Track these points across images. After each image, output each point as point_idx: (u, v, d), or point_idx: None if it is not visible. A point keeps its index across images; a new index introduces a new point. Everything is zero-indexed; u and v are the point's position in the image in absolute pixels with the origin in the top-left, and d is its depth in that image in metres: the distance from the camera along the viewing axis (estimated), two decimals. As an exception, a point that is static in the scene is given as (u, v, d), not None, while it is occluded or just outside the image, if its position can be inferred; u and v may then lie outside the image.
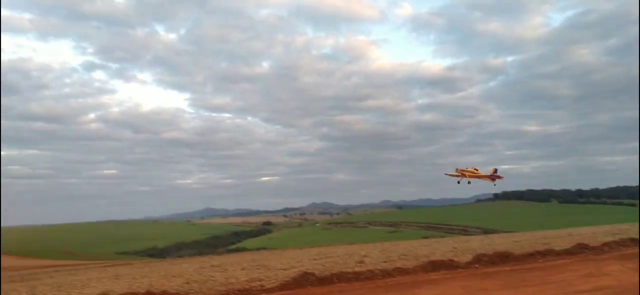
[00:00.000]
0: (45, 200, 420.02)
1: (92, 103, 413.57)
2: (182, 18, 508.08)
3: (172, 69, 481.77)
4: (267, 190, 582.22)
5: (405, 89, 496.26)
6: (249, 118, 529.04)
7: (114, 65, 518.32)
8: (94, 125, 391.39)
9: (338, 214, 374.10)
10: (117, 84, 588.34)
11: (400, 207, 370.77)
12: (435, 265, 21.68)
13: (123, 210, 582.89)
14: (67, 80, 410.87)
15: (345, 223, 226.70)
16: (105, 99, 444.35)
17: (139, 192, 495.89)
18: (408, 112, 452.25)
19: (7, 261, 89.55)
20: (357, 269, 21.55)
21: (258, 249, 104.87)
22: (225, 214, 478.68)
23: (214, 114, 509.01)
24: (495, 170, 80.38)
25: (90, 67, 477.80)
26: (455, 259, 23.48)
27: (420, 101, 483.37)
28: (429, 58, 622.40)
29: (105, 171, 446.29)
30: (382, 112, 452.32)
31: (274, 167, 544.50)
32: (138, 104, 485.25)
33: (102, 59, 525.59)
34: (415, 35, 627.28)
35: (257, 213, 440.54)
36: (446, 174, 73.32)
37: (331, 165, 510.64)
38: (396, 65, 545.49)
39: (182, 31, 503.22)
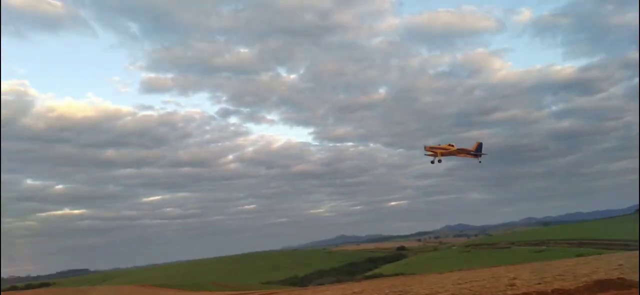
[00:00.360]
0: (195, 236, 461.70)
1: (229, 146, 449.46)
2: (301, 58, 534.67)
3: (295, 106, 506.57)
4: (397, 215, 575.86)
5: (536, 97, 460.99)
6: (371, 144, 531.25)
7: (245, 110, 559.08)
8: (232, 166, 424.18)
9: (476, 235, 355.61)
10: (249, 126, 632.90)
11: (546, 223, 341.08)
12: (603, 285, 19.40)
13: (264, 241, 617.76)
14: (207, 128, 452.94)
15: (485, 244, 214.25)
16: (240, 140, 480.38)
17: (276, 223, 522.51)
18: (542, 120, 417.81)
19: (168, 294, 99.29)
20: (509, 292, 20.13)
21: (395, 275, 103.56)
22: (357, 240, 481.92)
23: (337, 144, 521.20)
24: (480, 146, 67.51)
25: (225, 113, 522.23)
26: (626, 277, 20.79)
27: (554, 107, 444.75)
28: (559, 61, 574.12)
29: (245, 206, 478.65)
30: (513, 124, 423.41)
31: (401, 191, 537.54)
32: (269, 142, 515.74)
33: (234, 105, 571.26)
34: (539, 40, 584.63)
35: (389, 238, 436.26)
36: (425, 154, 65.60)
37: (463, 185, 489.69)
38: (522, 73, 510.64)
39: (302, 70, 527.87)
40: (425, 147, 66.26)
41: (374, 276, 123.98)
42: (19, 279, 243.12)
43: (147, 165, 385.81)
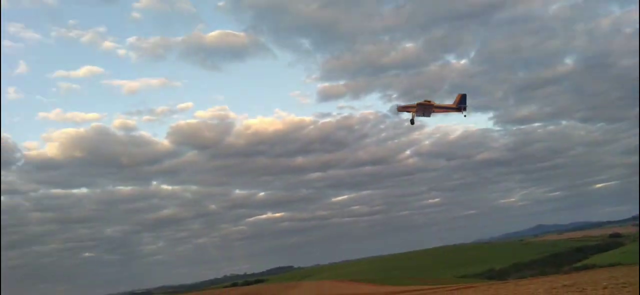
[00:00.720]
0: (383, 232, 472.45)
1: (405, 141, 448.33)
2: (469, 42, 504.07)
3: (470, 92, 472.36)
4: (605, 198, 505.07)
5: None
6: (563, 122, 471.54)
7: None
8: (411, 161, 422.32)
9: None
10: (423, 119, 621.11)
11: None
12: None
13: (453, 234, 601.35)
14: (382, 126, 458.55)
15: None
16: (415, 135, 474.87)
17: (464, 216, 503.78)
18: None
19: (366, 288, 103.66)
20: None
21: (611, 265, 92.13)
22: (559, 229, 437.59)
23: (522, 127, 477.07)
24: (463, 98, 61.02)
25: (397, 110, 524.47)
26: None
27: None
28: None
29: (429, 201, 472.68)
30: None
31: (608, 171, 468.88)
32: (445, 133, 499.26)
33: (406, 100, 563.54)
34: None
35: (598, 225, 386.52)
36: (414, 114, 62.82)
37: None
38: None
39: (472, 54, 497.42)
40: (397, 108, 66.95)
41: (585, 267, 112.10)
42: (238, 276, 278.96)
43: (331, 168, 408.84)
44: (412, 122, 68.60)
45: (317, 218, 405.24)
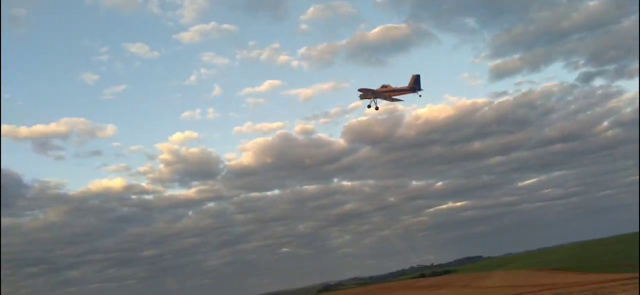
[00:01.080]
0: (582, 215, 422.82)
1: (600, 111, 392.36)
2: None
3: None
4: None
5: None
6: None
7: (611, 67, 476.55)
8: (610, 133, 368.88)
9: None
10: (620, 84, 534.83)
11: None
12: None
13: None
14: (569, 98, 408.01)
15: None
16: (612, 103, 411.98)
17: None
18: None
19: (571, 277, 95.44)
20: None
21: None
22: None
23: None
24: (417, 79, 64.66)
25: (586, 78, 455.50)
26: None
27: None
28: None
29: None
30: None
31: None
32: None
33: (596, 65, 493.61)
34: None
35: None
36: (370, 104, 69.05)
37: None
38: None
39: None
40: (360, 96, 66.82)
41: None
42: (425, 267, 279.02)
43: (514, 150, 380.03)
44: (371, 107, 67.62)
45: (503, 204, 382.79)
